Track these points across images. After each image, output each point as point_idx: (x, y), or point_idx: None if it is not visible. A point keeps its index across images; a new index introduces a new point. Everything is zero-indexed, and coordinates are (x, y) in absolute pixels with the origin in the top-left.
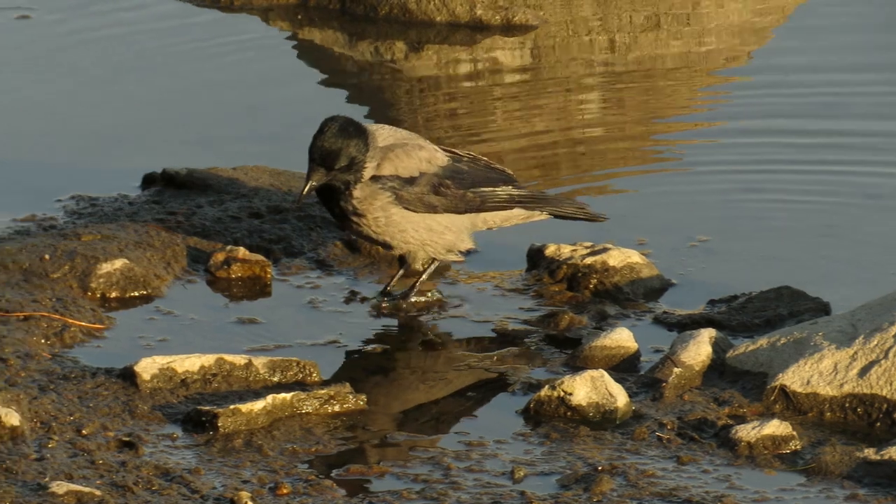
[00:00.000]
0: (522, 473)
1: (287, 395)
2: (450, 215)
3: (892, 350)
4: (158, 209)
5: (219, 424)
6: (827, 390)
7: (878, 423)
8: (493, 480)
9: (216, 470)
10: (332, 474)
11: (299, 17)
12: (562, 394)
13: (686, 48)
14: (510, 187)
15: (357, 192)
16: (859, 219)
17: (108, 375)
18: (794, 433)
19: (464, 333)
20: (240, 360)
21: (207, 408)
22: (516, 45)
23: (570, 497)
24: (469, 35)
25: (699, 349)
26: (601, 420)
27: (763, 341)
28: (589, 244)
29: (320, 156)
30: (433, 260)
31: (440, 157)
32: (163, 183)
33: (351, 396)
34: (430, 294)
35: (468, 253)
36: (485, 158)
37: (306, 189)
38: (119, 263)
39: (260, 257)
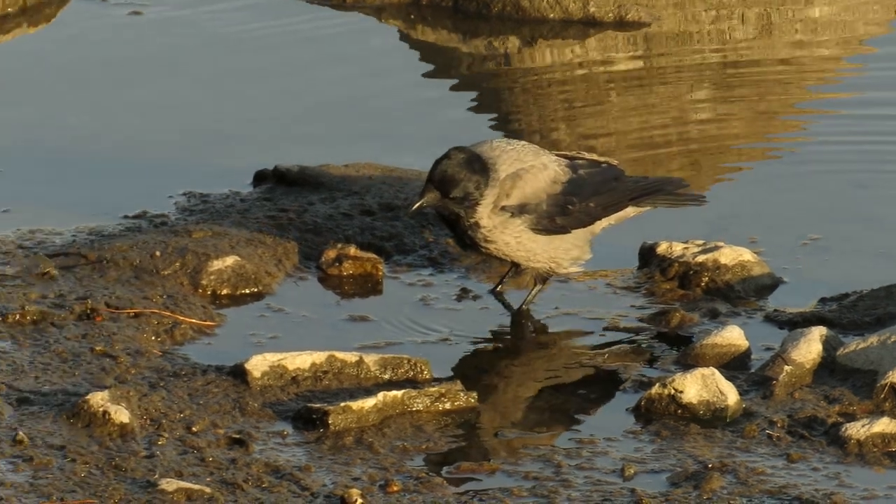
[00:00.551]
0: (633, 471)
1: (398, 393)
2: (576, 232)
3: None
4: (270, 206)
5: (329, 422)
6: None
7: None
8: (603, 478)
9: (326, 467)
10: (443, 472)
11: (412, 15)
12: (672, 391)
13: (798, 47)
14: (622, 185)
15: (485, 222)
16: None
17: (218, 373)
18: None
19: (576, 331)
20: (351, 357)
21: (318, 405)
22: (629, 41)
23: (680, 495)
24: (582, 31)
25: (810, 347)
26: (711, 418)
27: (873, 339)
28: (701, 242)
29: (439, 180)
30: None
31: (562, 173)
32: (274, 180)
33: (462, 394)
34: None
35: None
36: (594, 156)
37: (416, 206)
38: (230, 260)
39: (371, 255)
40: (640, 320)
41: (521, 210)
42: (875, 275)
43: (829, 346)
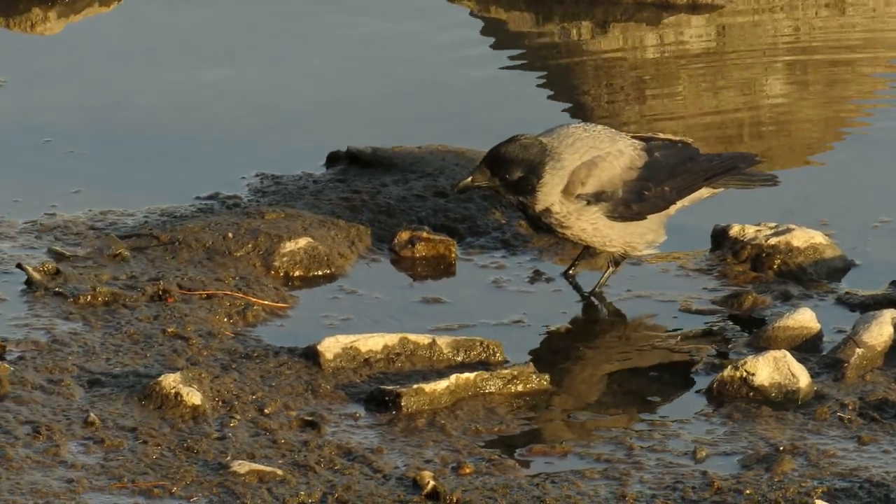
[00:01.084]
0: (704, 453)
1: (471, 375)
2: (651, 216)
3: None
4: (343, 188)
5: (402, 404)
6: None
7: None
8: (675, 460)
9: (398, 449)
10: (515, 454)
11: None
12: (744, 374)
13: (871, 31)
14: (697, 165)
15: (557, 208)
16: None
17: (290, 354)
18: None
19: (648, 313)
20: (424, 339)
21: (391, 387)
22: (702, 24)
23: (752, 477)
24: (655, 14)
25: (881, 330)
26: (783, 400)
27: None
28: (773, 224)
29: (490, 160)
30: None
31: (638, 158)
32: (347, 161)
33: (534, 376)
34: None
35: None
36: (668, 136)
37: (462, 183)
38: (303, 242)
39: (445, 237)
40: (713, 303)
41: (597, 198)
42: None
43: None
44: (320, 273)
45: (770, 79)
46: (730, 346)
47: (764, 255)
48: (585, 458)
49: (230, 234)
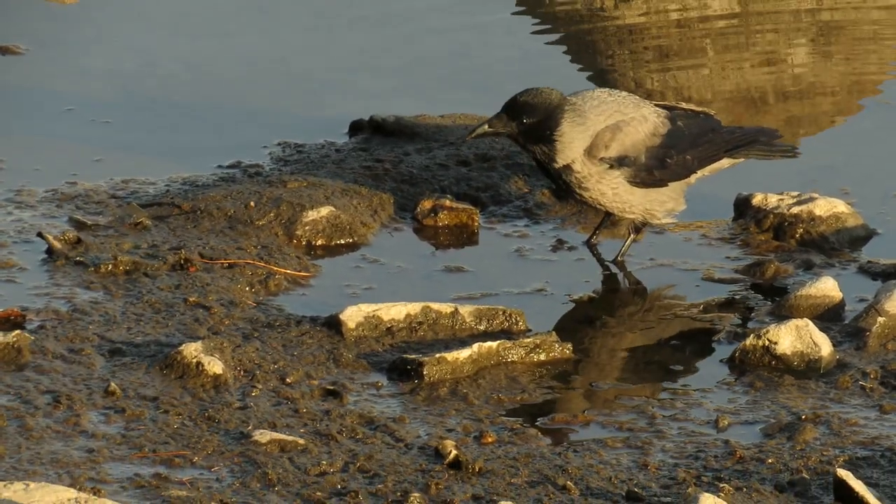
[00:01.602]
0: (727, 422)
1: (493, 344)
2: (672, 184)
3: None
4: (365, 156)
5: (424, 373)
6: None
7: None
8: (697, 429)
9: (421, 418)
10: (538, 423)
11: None
12: (767, 343)
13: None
14: (718, 136)
15: (579, 167)
16: None
17: (312, 324)
18: None
19: (670, 282)
20: (446, 308)
21: (413, 356)
22: None
23: (774, 446)
24: None
25: None
26: (805, 369)
27: None
28: (795, 193)
29: (510, 104)
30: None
31: (661, 125)
32: (370, 130)
33: (557, 345)
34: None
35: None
36: (692, 106)
37: (478, 129)
38: (325, 211)
39: (467, 205)
40: (735, 272)
41: (620, 162)
42: None
43: None
44: (342, 242)
45: (793, 48)
46: (752, 314)
47: (786, 224)
48: (607, 427)
49: (252, 203)
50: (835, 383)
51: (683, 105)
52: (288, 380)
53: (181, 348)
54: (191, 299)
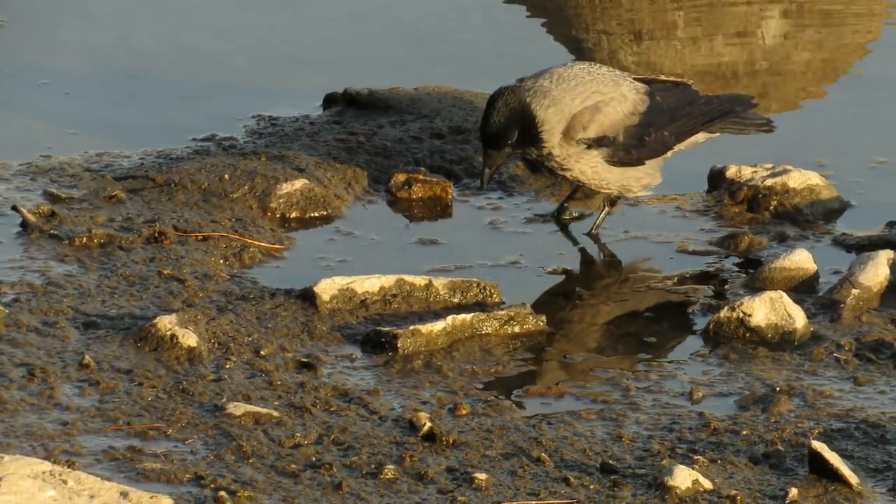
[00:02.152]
0: (701, 394)
1: (467, 316)
2: (650, 161)
3: None
4: (339, 129)
5: (398, 345)
6: None
7: None
8: (671, 401)
9: (395, 391)
10: (512, 395)
11: None
12: (741, 315)
13: None
14: (696, 109)
15: (557, 151)
16: None
17: (287, 296)
18: None
19: (645, 255)
20: (420, 280)
21: (387, 329)
22: None
23: (748, 418)
24: None
25: (877, 271)
26: (779, 341)
27: None
28: (769, 166)
29: (486, 140)
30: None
31: (640, 103)
32: (344, 103)
33: (531, 317)
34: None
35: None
36: (670, 78)
37: (486, 177)
38: (299, 184)
39: (441, 178)
40: (709, 244)
41: (598, 143)
42: None
43: None
44: (317, 215)
45: (766, 20)
46: (726, 286)
47: (760, 196)
48: (582, 399)
49: (226, 176)
50: (809, 355)
51: (662, 77)
52: (262, 352)
53: (155, 321)
54: (165, 272)
